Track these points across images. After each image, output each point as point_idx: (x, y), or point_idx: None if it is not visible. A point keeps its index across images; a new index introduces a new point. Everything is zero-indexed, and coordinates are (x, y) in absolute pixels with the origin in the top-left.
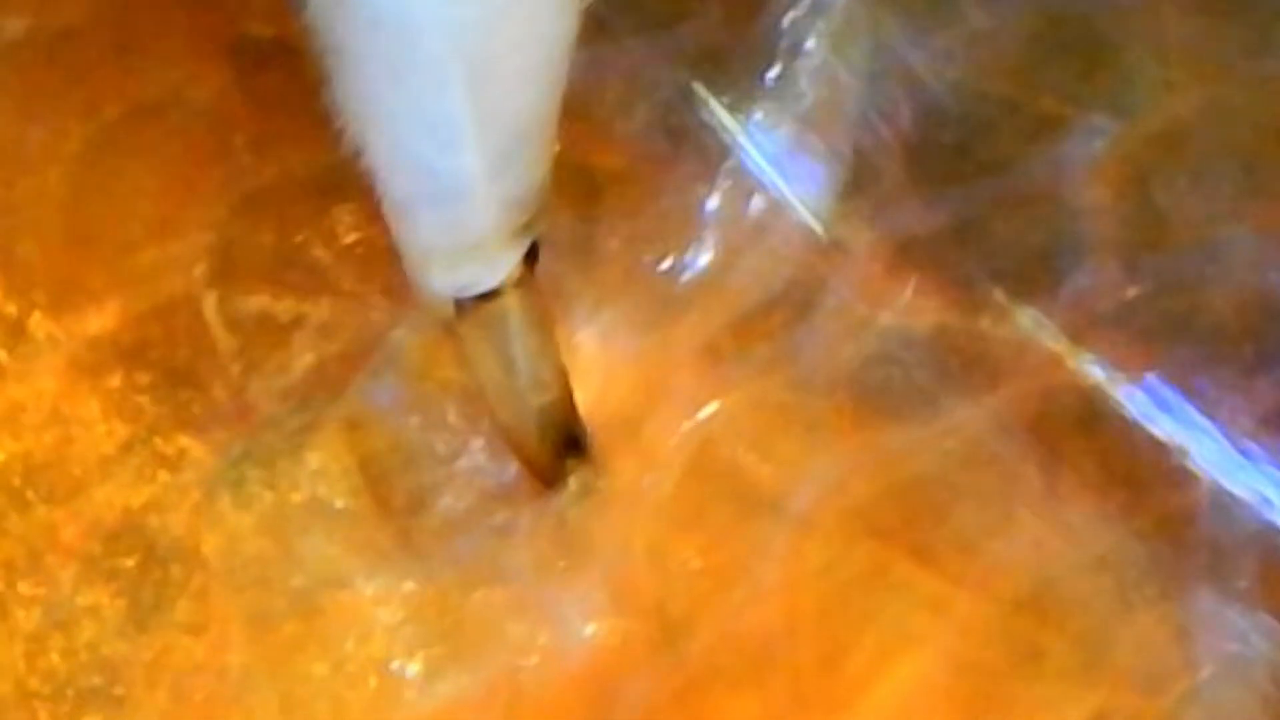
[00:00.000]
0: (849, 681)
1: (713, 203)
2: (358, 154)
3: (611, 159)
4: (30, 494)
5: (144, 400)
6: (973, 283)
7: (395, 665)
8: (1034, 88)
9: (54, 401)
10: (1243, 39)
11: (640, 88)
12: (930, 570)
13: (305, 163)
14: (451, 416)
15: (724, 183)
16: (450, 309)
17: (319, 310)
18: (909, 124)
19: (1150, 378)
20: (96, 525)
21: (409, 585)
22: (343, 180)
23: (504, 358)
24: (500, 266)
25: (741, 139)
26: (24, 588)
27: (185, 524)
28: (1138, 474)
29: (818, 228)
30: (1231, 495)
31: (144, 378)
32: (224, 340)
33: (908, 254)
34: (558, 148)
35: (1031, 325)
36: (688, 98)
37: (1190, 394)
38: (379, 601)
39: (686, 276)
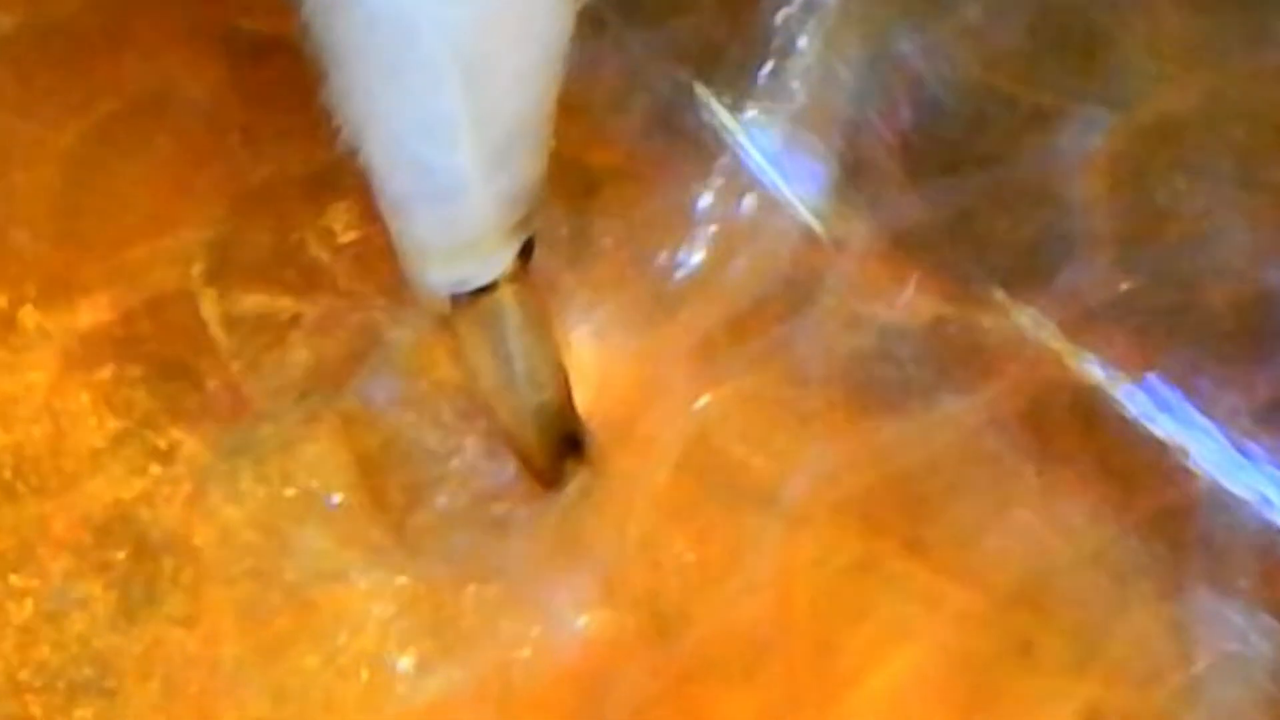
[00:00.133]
0: (842, 674)
1: (708, 199)
2: (354, 151)
3: (607, 156)
4: (21, 486)
5: (136, 393)
6: (969, 277)
7: (388, 659)
8: (1029, 82)
9: (45, 394)
10: (1238, 32)
11: (636, 85)
12: (924, 564)
13: (302, 160)
14: (447, 414)
15: (720, 179)
16: (447, 305)
17: (315, 308)
18: (904, 119)
19: (1148, 375)
20: (88, 518)
21: (402, 580)
22: (339, 178)
23: (501, 354)
24: (496, 262)
25: (737, 135)
26: (15, 580)
27: (177, 517)
28: (1134, 470)
29: (813, 223)
30: (1229, 493)
31: (136, 371)
32: (220, 337)
33: (903, 249)
34: (553, 144)
35: (1028, 321)
36: (684, 95)
37: (1188, 391)
38: (372, 596)
39: (682, 272)
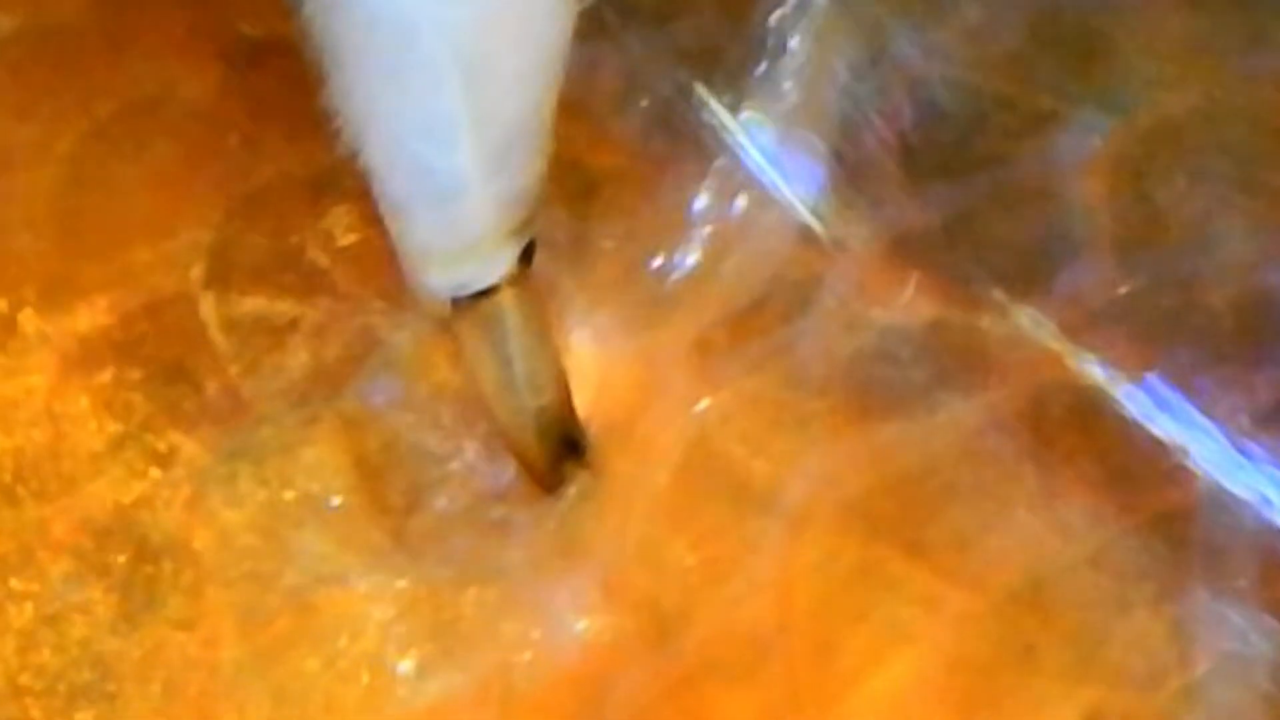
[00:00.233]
0: (842, 677)
1: (707, 200)
2: (354, 154)
3: (606, 157)
4: (21, 490)
5: (135, 397)
6: (968, 279)
7: (388, 662)
8: (1029, 84)
9: (45, 398)
10: (1238, 35)
11: (635, 86)
12: (924, 566)
13: (301, 163)
14: (447, 417)
15: (719, 180)
16: (447, 308)
17: (315, 311)
18: (903, 120)
19: (1148, 376)
20: (88, 521)
21: (402, 583)
22: (339, 181)
23: (501, 356)
24: (497, 265)
25: (738, 137)
26: (15, 584)
27: (177, 520)
28: (1134, 472)
29: (813, 224)
30: (1229, 494)
31: (135, 374)
32: (219, 340)
33: (903, 251)
34: (552, 146)
35: (1028, 322)
36: (683, 96)
37: (1188, 392)
38: (372, 599)
39: (681, 274)
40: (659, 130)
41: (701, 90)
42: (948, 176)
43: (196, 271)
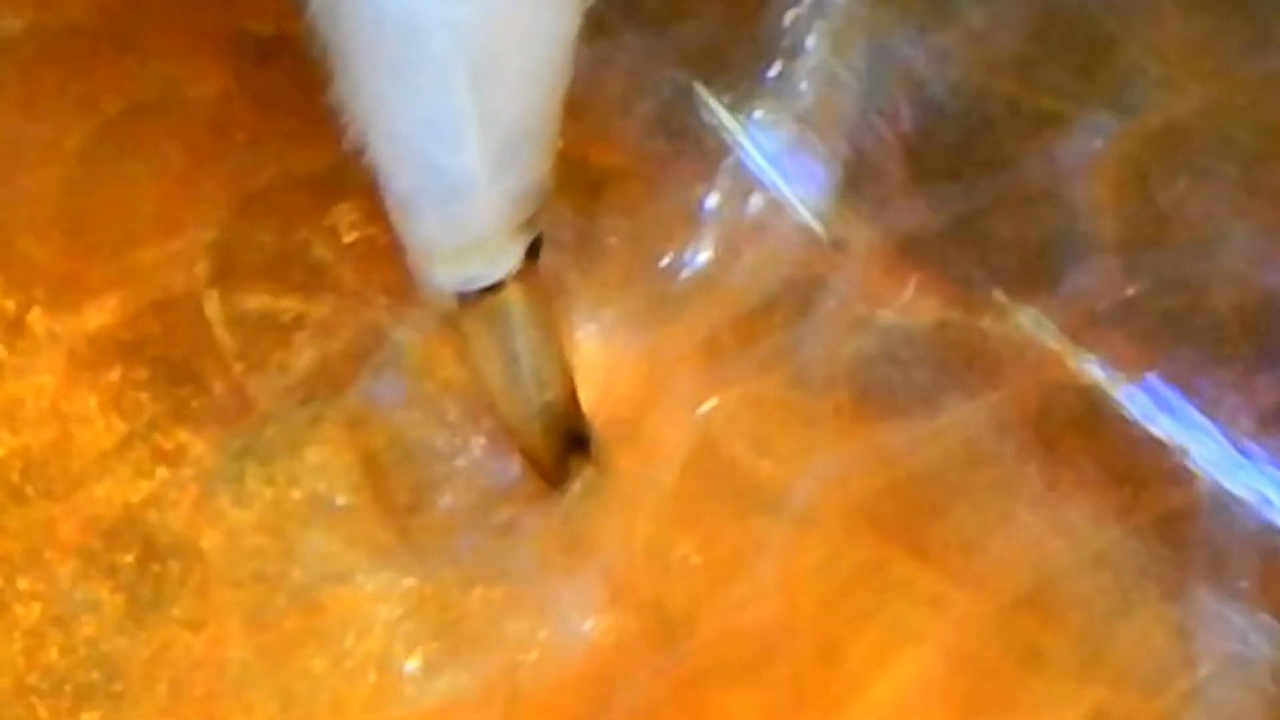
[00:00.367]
0: (848, 678)
1: (713, 200)
2: (361, 151)
3: (612, 157)
4: (29, 490)
5: (143, 396)
6: (972, 281)
7: (395, 661)
8: (1034, 86)
9: (53, 397)
10: (1243, 37)
11: (641, 86)
12: (929, 567)
13: (306, 161)
14: (453, 415)
15: (724, 181)
16: (453, 304)
17: (320, 309)
18: (908, 123)
19: (1150, 377)
20: (95, 521)
21: (409, 582)
22: (344, 179)
23: (507, 352)
24: (503, 261)
25: (741, 138)
26: (23, 584)
27: (184, 520)
28: (1137, 473)
29: (817, 226)
30: (1231, 495)
31: (143, 373)
32: (225, 338)
33: (907, 252)
34: (559, 145)
35: (1031, 324)
36: (688, 96)
37: (1190, 393)
38: (378, 598)
39: (686, 274)
40: (662, 130)
41: (704, 91)
42: (951, 178)
43: (202, 269)
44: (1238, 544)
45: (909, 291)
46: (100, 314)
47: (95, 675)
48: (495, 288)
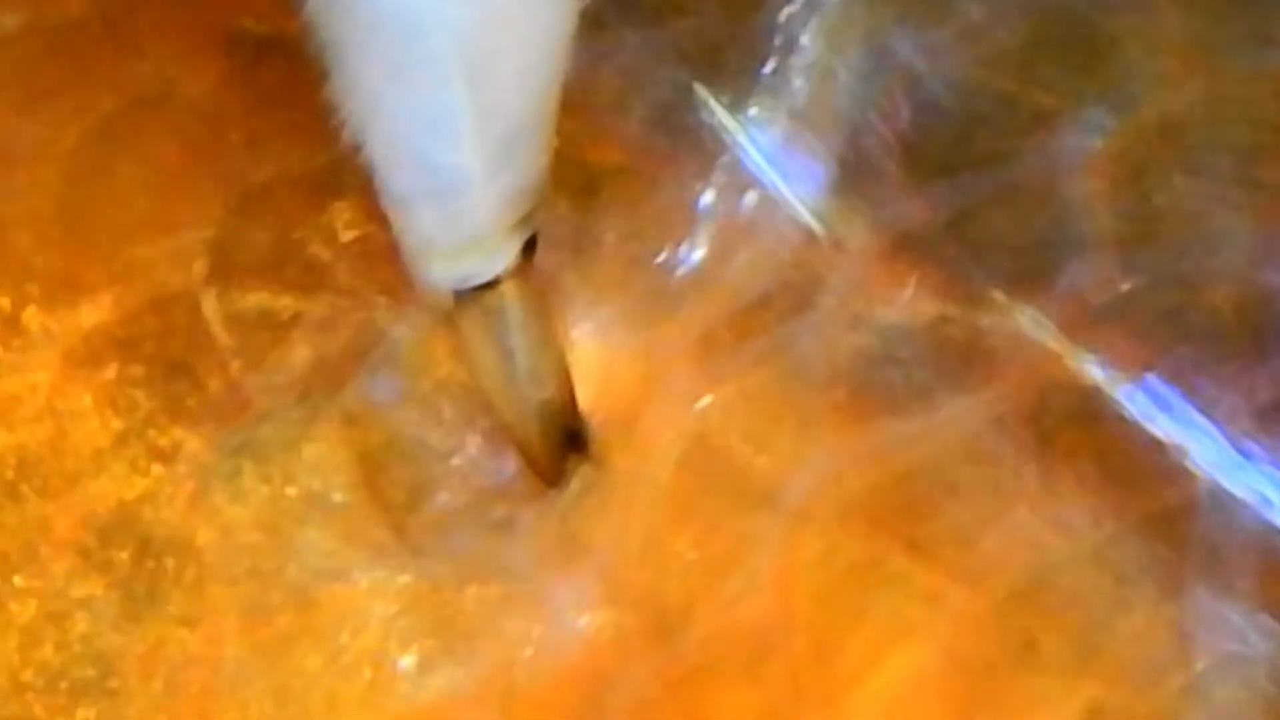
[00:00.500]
0: (844, 673)
1: (709, 198)
2: (357, 149)
3: (608, 154)
4: (24, 487)
5: (139, 393)
6: (970, 278)
7: (390, 658)
8: (1030, 82)
9: (48, 394)
10: (1240, 33)
11: (637, 84)
12: (926, 563)
13: (303, 160)
14: (449, 413)
15: (720, 178)
16: (449, 301)
17: (317, 307)
18: (905, 119)
19: (1148, 375)
20: (90, 518)
21: (404, 579)
22: (341, 177)
23: (503, 349)
24: (499, 258)
25: (738, 135)
26: (18, 580)
27: (180, 517)
28: (1135, 471)
29: (814, 223)
30: (1229, 494)
31: (139, 371)
32: (222, 336)
33: (904, 249)
34: (555, 143)
35: (1028, 321)
36: (684, 94)
37: (1188, 391)
38: (374, 595)
39: (683, 271)
40: (659, 128)
41: (701, 89)
42: (948, 175)
43: (199, 268)
44: (1236, 543)
45: (905, 289)
46: (96, 311)
47: (90, 672)
48: (491, 285)
